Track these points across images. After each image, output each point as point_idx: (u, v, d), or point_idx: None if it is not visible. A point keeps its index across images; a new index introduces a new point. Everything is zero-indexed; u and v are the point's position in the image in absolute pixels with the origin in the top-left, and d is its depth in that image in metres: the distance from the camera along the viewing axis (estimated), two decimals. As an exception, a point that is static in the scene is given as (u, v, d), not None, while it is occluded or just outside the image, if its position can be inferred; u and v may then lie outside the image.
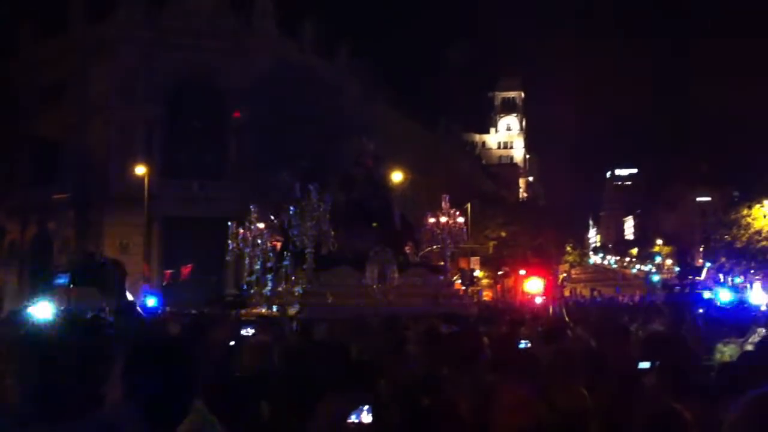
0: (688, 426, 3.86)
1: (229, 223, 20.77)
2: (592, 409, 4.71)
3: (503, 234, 67.16)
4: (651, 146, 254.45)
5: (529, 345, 7.35)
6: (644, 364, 5.77)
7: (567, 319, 12.93)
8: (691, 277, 43.57)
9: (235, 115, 47.12)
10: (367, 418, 3.48)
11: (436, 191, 29.74)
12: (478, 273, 59.01)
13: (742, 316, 16.46)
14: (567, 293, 41.59)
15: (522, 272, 63.28)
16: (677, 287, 41.14)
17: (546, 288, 19.38)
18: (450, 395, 5.21)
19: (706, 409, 4.35)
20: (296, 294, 17.20)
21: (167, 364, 3.30)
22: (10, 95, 46.45)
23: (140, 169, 43.76)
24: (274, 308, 17.69)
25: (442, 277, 18.69)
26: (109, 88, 46.84)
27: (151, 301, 28.12)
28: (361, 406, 3.49)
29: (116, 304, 17.12)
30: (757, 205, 71.31)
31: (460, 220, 18.52)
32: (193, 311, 20.21)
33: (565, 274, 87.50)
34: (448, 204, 18.49)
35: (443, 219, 18.21)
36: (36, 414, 3.37)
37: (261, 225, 19.79)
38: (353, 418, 3.47)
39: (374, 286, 17.04)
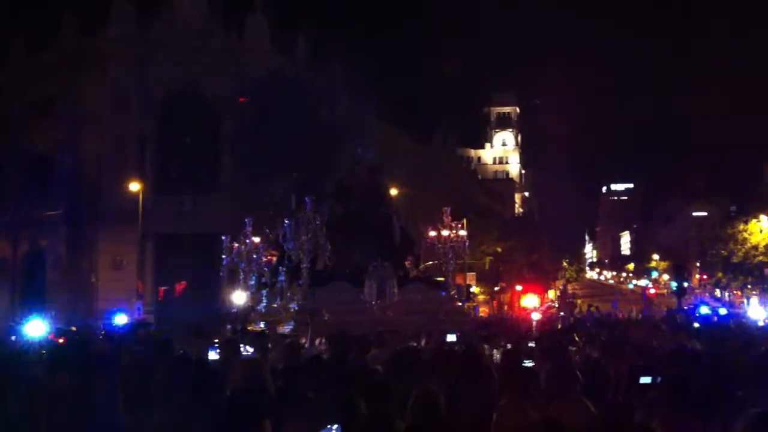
0: None
1: (223, 237, 20.20)
2: (595, 424, 4.61)
3: (499, 249, 66.78)
4: (647, 161, 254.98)
5: (532, 364, 7.11)
6: (645, 379, 5.69)
7: (576, 337, 12.42)
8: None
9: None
10: None
11: (431, 206, 29.28)
12: (474, 289, 58.52)
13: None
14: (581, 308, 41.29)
15: (518, 288, 63.04)
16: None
17: (559, 302, 18.85)
18: (446, 414, 5.02)
19: (700, 424, 4.33)
20: (291, 311, 16.66)
21: None
22: (1, 109, 46.01)
23: (134, 186, 43.27)
24: (262, 324, 17.14)
25: (443, 293, 18.08)
26: (101, 103, 46.42)
27: (121, 318, 23.44)
28: (330, 425, 3.33)
29: None
30: (754, 220, 71.21)
31: (462, 233, 17.95)
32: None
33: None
34: (449, 217, 17.89)
35: (444, 232, 17.63)
36: None
37: (256, 239, 19.25)
38: None
39: (373, 303, 16.47)
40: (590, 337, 12.83)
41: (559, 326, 14.45)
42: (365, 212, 18.01)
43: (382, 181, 19.27)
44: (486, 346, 12.01)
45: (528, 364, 6.93)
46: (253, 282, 19.28)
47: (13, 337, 22.61)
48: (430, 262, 18.96)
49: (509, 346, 11.67)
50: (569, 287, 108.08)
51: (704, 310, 27.71)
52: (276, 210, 22.35)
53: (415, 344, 11.70)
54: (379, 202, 18.52)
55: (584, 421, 4.54)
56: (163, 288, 46.08)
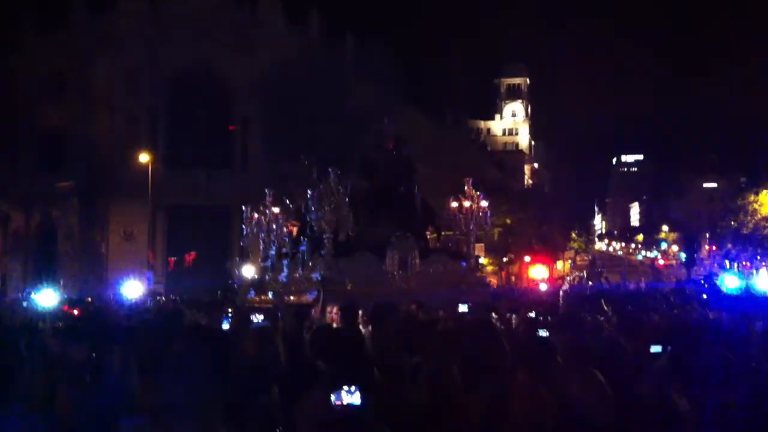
0: (682, 419, 3.83)
1: (243, 207, 20.23)
2: (608, 398, 4.46)
3: (508, 221, 66.57)
4: (657, 132, 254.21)
5: (547, 334, 6.95)
6: (655, 348, 5.65)
7: (605, 306, 12.39)
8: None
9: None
10: (356, 399, 3.30)
11: (440, 179, 29.18)
12: (482, 260, 58.61)
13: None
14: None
15: (527, 259, 63.08)
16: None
17: (587, 272, 18.77)
18: (458, 391, 4.93)
19: (707, 395, 4.34)
20: (313, 281, 16.63)
21: None
22: (15, 86, 46.12)
23: (144, 158, 43.30)
24: (270, 294, 17.15)
25: (464, 264, 18.07)
26: (114, 79, 46.43)
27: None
28: (349, 388, 3.30)
29: None
30: (764, 191, 70.95)
31: (484, 204, 17.88)
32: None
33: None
34: (470, 187, 17.81)
35: (466, 203, 17.54)
36: None
37: (276, 209, 19.22)
38: (341, 399, 3.29)
39: (395, 273, 16.44)
40: (616, 306, 12.81)
41: (587, 293, 14.48)
42: (389, 185, 17.92)
43: (407, 153, 19.16)
44: (514, 317, 11.96)
45: (543, 333, 6.82)
46: (273, 252, 19.29)
47: (25, 303, 22.85)
48: (451, 233, 18.87)
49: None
50: (577, 258, 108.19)
51: (731, 280, 26.81)
52: (296, 182, 22.31)
53: (443, 314, 11.64)
54: (403, 174, 18.40)
55: (597, 400, 4.36)
56: (172, 258, 46.42)
